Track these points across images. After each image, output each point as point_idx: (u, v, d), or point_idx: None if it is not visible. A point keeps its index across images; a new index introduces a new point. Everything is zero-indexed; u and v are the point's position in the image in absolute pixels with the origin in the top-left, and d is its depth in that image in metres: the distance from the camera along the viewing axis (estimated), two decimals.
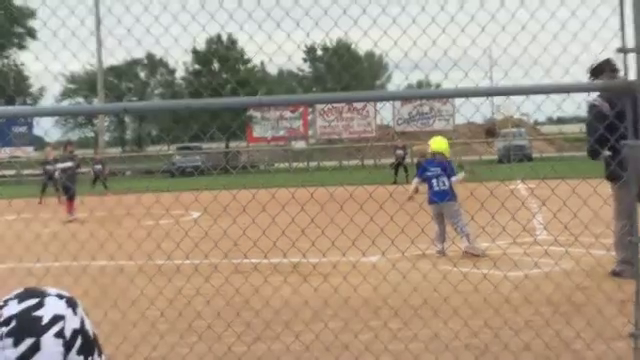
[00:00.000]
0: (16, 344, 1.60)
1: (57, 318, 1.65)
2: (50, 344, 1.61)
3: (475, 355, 6.47)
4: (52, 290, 1.73)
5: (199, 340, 6.64)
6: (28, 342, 1.60)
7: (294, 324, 7.25)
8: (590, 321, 6.63)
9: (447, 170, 12.22)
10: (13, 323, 1.62)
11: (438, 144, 12.59)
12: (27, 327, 1.62)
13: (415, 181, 12.81)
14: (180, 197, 6.83)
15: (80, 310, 1.71)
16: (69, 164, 22.07)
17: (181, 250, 7.62)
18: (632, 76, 4.52)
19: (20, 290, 1.73)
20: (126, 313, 6.90)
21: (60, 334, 1.63)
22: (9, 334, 1.61)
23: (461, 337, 6.78)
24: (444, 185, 12.05)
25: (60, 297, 1.70)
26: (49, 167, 27.00)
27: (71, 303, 1.70)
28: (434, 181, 12.11)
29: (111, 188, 27.34)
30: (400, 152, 35.20)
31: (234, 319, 7.36)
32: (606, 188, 6.23)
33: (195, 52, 53.60)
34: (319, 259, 8.47)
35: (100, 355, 1.73)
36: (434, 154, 12.49)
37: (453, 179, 12.15)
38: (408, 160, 35.84)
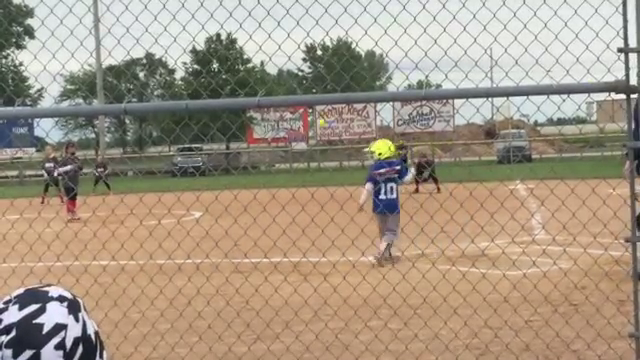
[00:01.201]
0: (15, 356, 1.58)
1: (58, 327, 1.61)
2: (50, 356, 1.59)
3: (475, 355, 6.48)
4: (54, 291, 1.69)
5: (199, 340, 6.65)
6: (28, 354, 1.58)
7: (294, 324, 7.25)
8: (589, 321, 6.64)
9: (399, 171, 11.88)
10: (13, 333, 1.59)
11: (383, 147, 12.12)
12: (27, 338, 1.59)
13: (368, 186, 11.86)
14: (182, 197, 6.84)
15: (82, 314, 1.67)
16: (70, 167, 22.07)
17: (182, 250, 7.64)
18: (633, 76, 4.53)
19: (21, 291, 1.69)
20: (126, 313, 6.90)
21: (61, 345, 1.60)
22: (9, 345, 1.59)
23: (461, 337, 6.79)
24: (392, 193, 11.67)
25: (62, 300, 1.66)
26: (48, 165, 27.03)
27: (73, 308, 1.66)
28: (382, 186, 11.66)
29: (113, 188, 27.35)
30: (400, 152, 35.19)
31: (234, 319, 7.37)
32: (605, 188, 6.24)
33: (194, 52, 53.61)
34: (319, 258, 8.48)
35: (101, 355, 1.71)
36: (380, 155, 11.95)
37: (405, 179, 11.95)
38: (408, 161, 35.83)
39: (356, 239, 7.75)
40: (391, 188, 11.72)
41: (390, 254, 11.37)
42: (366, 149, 12.78)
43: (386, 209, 11.17)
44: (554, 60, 5.03)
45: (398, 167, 12.06)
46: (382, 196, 11.60)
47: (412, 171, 12.52)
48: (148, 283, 7.05)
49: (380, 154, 11.97)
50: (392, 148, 12.32)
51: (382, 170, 11.80)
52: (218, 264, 8.63)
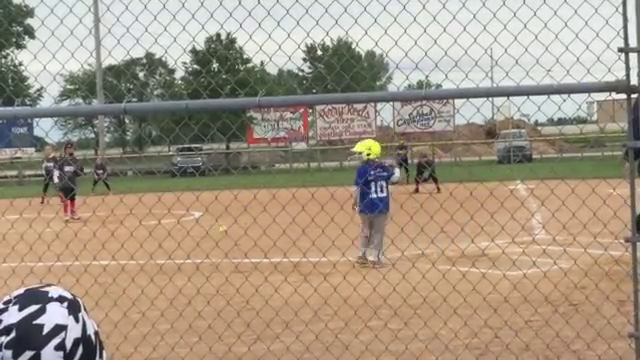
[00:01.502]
0: (16, 357, 1.58)
1: (58, 328, 1.61)
2: (50, 357, 1.59)
3: (475, 355, 6.49)
4: (54, 291, 1.69)
5: (199, 340, 6.65)
6: (28, 354, 1.58)
7: (294, 324, 7.25)
8: (589, 321, 6.64)
9: (387, 171, 11.85)
10: (13, 334, 1.59)
11: (374, 147, 12.06)
12: (27, 339, 1.59)
13: (356, 190, 11.79)
14: (181, 197, 6.83)
15: (82, 314, 1.67)
16: (68, 168, 22.02)
17: (182, 250, 7.63)
18: (634, 76, 4.52)
19: (21, 291, 1.69)
20: (126, 313, 6.91)
21: (61, 346, 1.60)
22: (9, 346, 1.59)
23: (461, 337, 6.79)
24: (382, 192, 11.58)
25: (62, 301, 1.66)
26: (48, 164, 27.03)
27: (73, 308, 1.66)
28: (372, 185, 11.56)
29: (112, 188, 27.35)
30: (401, 152, 35.26)
31: (234, 319, 7.37)
32: (605, 188, 6.24)
33: (194, 52, 53.60)
34: (319, 258, 8.47)
35: (101, 355, 1.71)
36: (369, 155, 11.89)
37: (393, 178, 11.88)
38: (409, 161, 35.87)
39: (356, 239, 7.77)
40: (381, 187, 11.64)
41: (364, 258, 11.31)
42: (353, 149, 12.69)
43: (372, 207, 11.11)
44: (554, 60, 5.03)
45: (388, 165, 12.06)
46: (373, 195, 11.50)
47: (397, 172, 12.42)
48: (148, 283, 7.05)
49: (369, 154, 11.94)
50: (379, 148, 12.27)
51: (374, 169, 11.73)
52: (218, 264, 8.63)
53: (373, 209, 11.30)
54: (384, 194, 11.64)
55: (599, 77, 4.78)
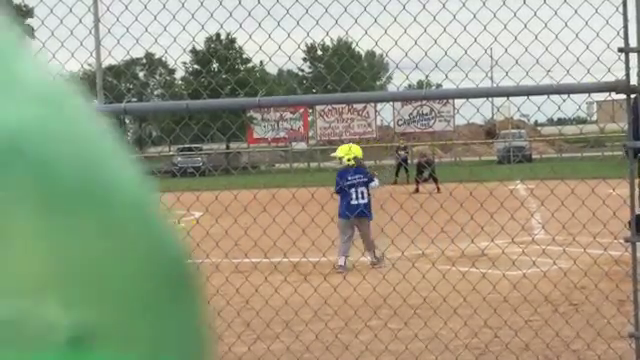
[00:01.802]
0: None
1: None
2: None
3: (475, 355, 6.49)
4: None
5: None
6: None
7: (294, 324, 7.26)
8: (589, 321, 6.65)
9: (367, 176, 11.79)
10: None
11: (355, 150, 12.07)
12: None
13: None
14: (182, 197, 6.84)
15: None
16: None
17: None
18: (633, 76, 4.53)
19: None
20: None
21: None
22: None
23: (461, 337, 6.80)
24: (362, 198, 11.41)
25: None
26: None
27: None
28: (353, 191, 11.37)
29: None
30: (402, 152, 35.33)
31: (234, 319, 7.37)
32: (605, 188, 6.24)
33: (194, 52, 53.62)
34: (319, 258, 8.47)
35: None
36: (349, 160, 11.81)
37: (372, 184, 11.81)
38: (409, 161, 35.91)
39: (356, 239, 7.76)
40: (362, 193, 11.52)
41: (376, 260, 11.25)
42: (334, 154, 12.66)
43: (354, 212, 10.86)
44: (554, 60, 5.04)
45: (366, 171, 12.04)
46: (353, 201, 11.26)
47: (377, 180, 12.34)
48: None
49: (349, 160, 11.90)
50: (359, 151, 12.22)
51: (349, 177, 11.57)
52: (218, 264, 8.63)
53: (354, 214, 11.14)
54: (365, 200, 11.49)
55: (599, 77, 4.79)
